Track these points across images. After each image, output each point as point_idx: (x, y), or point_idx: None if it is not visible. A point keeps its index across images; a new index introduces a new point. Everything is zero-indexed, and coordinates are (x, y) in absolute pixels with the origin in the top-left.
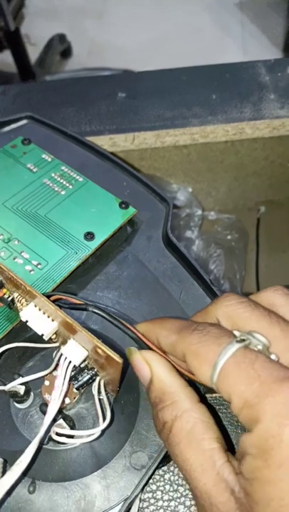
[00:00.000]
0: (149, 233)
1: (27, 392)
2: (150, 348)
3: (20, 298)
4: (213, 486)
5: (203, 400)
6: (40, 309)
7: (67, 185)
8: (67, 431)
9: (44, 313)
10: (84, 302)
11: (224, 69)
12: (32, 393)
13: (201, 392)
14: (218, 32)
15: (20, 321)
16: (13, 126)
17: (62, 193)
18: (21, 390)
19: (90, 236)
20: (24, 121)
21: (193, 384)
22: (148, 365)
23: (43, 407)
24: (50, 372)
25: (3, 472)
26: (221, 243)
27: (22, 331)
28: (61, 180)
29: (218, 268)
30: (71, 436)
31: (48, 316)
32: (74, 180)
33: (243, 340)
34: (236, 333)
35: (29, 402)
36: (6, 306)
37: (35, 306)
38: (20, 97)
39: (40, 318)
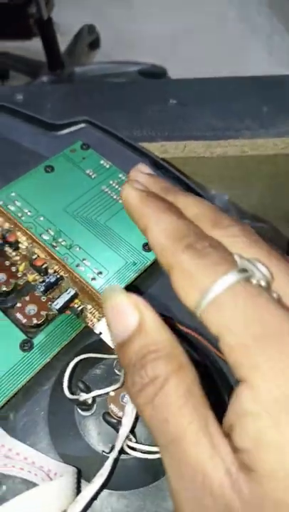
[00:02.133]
0: None
1: (93, 401)
2: None
3: (93, 310)
4: (210, 459)
5: None
6: None
7: None
8: (136, 444)
9: None
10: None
11: (275, 80)
12: (96, 402)
13: None
14: (244, 27)
15: (84, 328)
16: (70, 129)
17: (120, 201)
18: (90, 399)
19: (148, 247)
20: (81, 125)
21: None
22: (138, 310)
23: (107, 416)
24: (122, 386)
25: (78, 482)
26: None
27: (82, 338)
28: (119, 188)
29: None
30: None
31: None
32: None
33: (245, 270)
34: (237, 258)
35: (92, 410)
36: (74, 315)
37: None
38: (69, 98)
39: None
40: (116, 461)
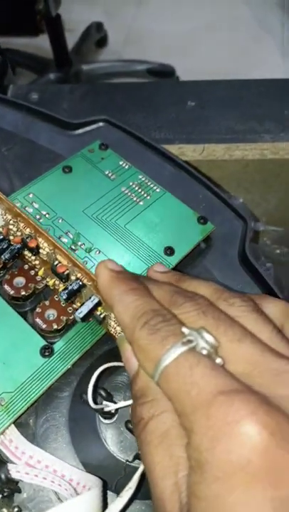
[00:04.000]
0: (224, 250)
1: (116, 410)
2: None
3: None
4: (170, 495)
5: None
6: None
7: (145, 195)
8: None
9: None
10: None
11: None
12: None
13: None
14: (257, 28)
15: (104, 335)
16: (87, 128)
17: (141, 203)
18: (114, 409)
19: (169, 251)
20: (99, 125)
21: None
22: (136, 359)
23: (129, 424)
24: None
25: (105, 494)
26: (270, 256)
27: (101, 344)
28: (139, 190)
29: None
30: None
31: None
32: (152, 190)
33: (190, 341)
34: (185, 330)
35: (114, 418)
36: (96, 322)
37: None
38: (87, 97)
39: None
40: (144, 473)
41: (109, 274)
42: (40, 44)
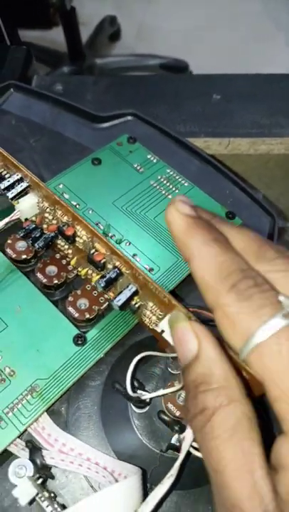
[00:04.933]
0: None
1: (150, 400)
2: None
3: (154, 308)
4: (248, 498)
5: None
6: None
7: (174, 189)
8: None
9: None
10: None
11: None
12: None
13: None
14: (269, 25)
15: (136, 325)
16: (115, 122)
17: (169, 197)
18: (150, 398)
19: None
20: (127, 118)
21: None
22: (197, 338)
23: (162, 415)
24: (182, 388)
25: (144, 481)
26: None
27: (131, 334)
28: (167, 184)
29: None
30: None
31: None
32: (180, 184)
33: None
34: (282, 299)
35: (147, 408)
36: (131, 311)
37: None
38: (111, 90)
39: None
40: (184, 462)
41: (185, 220)
42: (53, 37)
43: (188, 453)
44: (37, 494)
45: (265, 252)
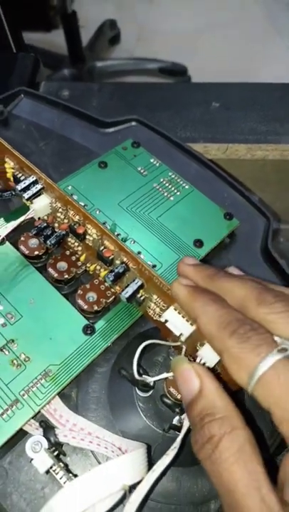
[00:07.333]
0: (247, 246)
1: (153, 385)
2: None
3: (158, 300)
4: (259, 510)
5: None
6: (179, 313)
7: (176, 191)
8: None
9: (183, 317)
10: None
11: None
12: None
13: None
14: (268, 28)
15: (140, 317)
16: (120, 127)
17: (171, 198)
18: (152, 382)
19: (199, 243)
20: (131, 124)
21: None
22: (199, 377)
23: (164, 398)
24: None
25: (149, 454)
26: (285, 254)
27: (135, 326)
28: (169, 186)
29: None
30: None
31: (187, 320)
32: (181, 187)
33: (285, 349)
34: (277, 339)
35: (150, 392)
36: (136, 304)
37: (175, 309)
38: (115, 96)
39: (179, 320)
40: (184, 439)
41: (187, 290)
42: (53, 40)
43: (188, 431)
44: (52, 465)
45: (264, 298)
